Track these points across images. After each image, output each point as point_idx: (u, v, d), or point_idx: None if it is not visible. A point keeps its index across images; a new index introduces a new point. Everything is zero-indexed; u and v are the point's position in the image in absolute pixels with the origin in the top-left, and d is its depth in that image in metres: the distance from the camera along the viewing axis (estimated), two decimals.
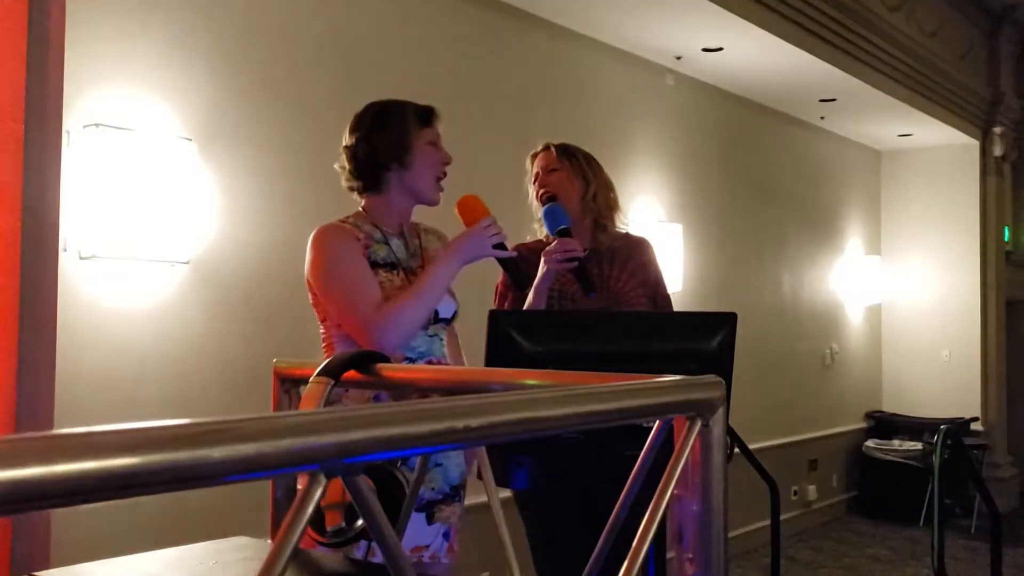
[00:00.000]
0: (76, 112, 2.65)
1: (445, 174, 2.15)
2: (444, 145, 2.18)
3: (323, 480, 0.49)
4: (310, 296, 2.10)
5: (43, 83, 2.14)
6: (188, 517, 2.79)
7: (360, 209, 2.15)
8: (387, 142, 2.07)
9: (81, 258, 2.69)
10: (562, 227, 2.40)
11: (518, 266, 2.18)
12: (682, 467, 0.77)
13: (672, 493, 0.76)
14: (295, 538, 0.49)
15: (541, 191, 2.55)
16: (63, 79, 2.21)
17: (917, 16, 6.49)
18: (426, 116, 2.13)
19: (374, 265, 2.05)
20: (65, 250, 2.59)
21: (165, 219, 2.81)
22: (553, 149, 2.60)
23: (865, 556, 6.07)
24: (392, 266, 2.07)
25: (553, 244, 2.37)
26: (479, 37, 4.13)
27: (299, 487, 1.20)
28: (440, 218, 2.28)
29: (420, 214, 2.24)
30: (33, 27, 2.12)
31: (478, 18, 4.12)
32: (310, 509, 0.49)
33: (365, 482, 0.53)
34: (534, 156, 2.63)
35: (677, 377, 0.76)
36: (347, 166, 2.12)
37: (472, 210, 2.11)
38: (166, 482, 0.42)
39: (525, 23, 4.36)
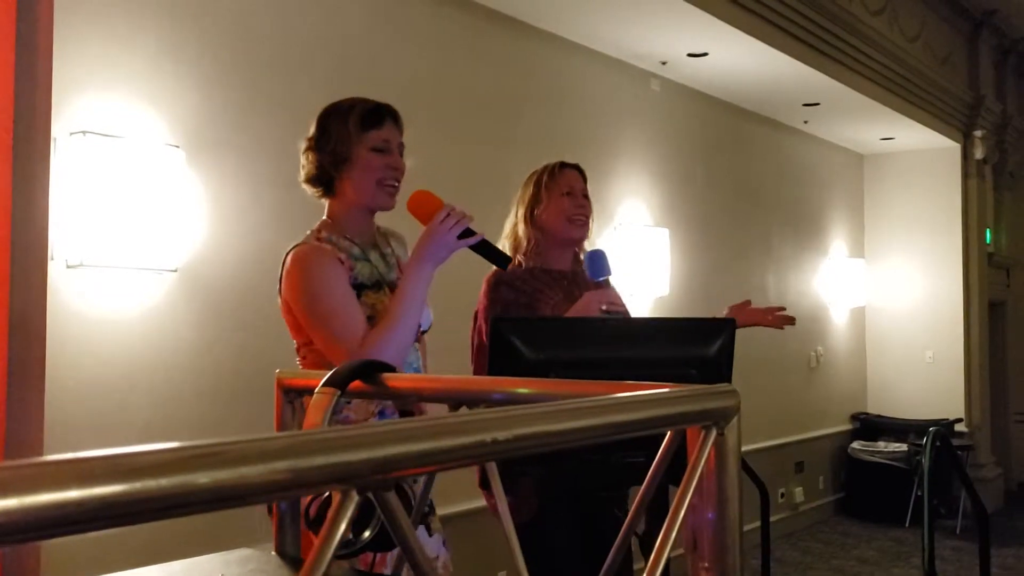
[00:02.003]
0: (63, 119, 2.62)
1: (395, 181, 2.00)
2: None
3: (355, 497, 0.49)
4: (284, 314, 1.99)
5: (31, 91, 2.12)
6: (179, 528, 2.76)
7: (325, 218, 2.03)
8: (327, 150, 1.97)
9: (68, 266, 2.66)
10: (607, 277, 2.39)
11: (491, 247, 2.00)
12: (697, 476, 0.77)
13: (688, 502, 0.76)
14: (328, 555, 0.48)
15: (579, 215, 2.53)
16: (51, 87, 2.18)
17: (899, 21, 6.54)
18: (372, 119, 1.97)
19: (361, 288, 1.94)
20: (52, 259, 2.56)
21: (153, 227, 2.79)
22: (583, 175, 2.61)
23: (852, 557, 6.10)
24: (378, 285, 1.98)
25: (597, 293, 2.33)
26: (466, 43, 4.13)
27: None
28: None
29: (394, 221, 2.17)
30: (21, 35, 2.10)
31: (465, 24, 4.12)
32: (343, 526, 0.49)
33: (395, 498, 0.52)
34: (560, 168, 2.58)
35: (693, 386, 0.76)
36: (301, 173, 2.03)
37: (424, 206, 1.92)
38: (203, 503, 0.41)
39: (511, 28, 4.36)
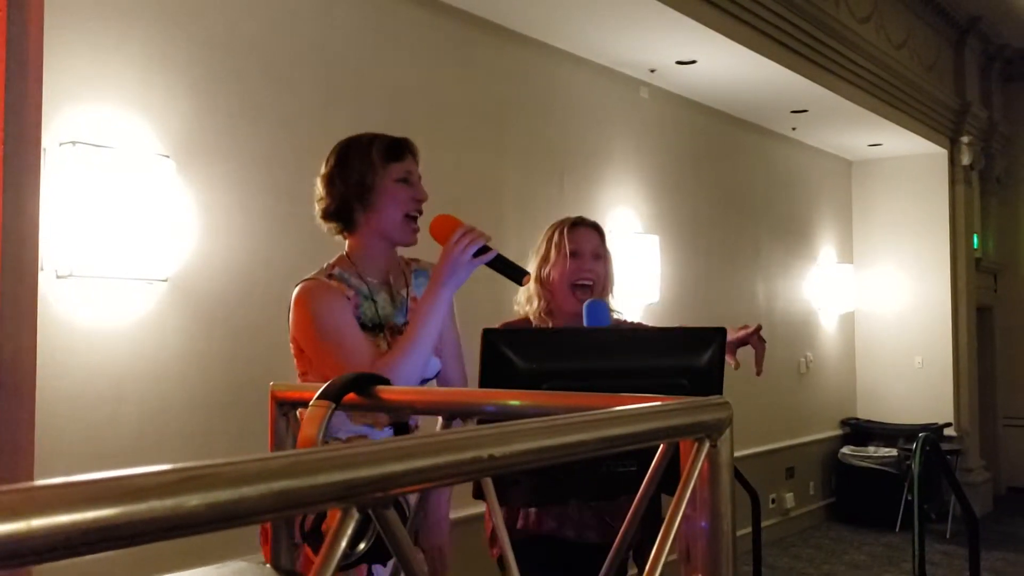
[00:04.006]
0: (52, 129, 2.62)
1: (420, 212, 1.98)
2: (426, 171, 2.05)
3: (356, 515, 0.49)
4: (292, 348, 1.98)
5: (21, 101, 2.11)
6: (173, 540, 2.75)
7: (344, 253, 2.02)
8: (350, 181, 1.95)
9: (58, 277, 2.66)
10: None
11: (507, 262, 1.97)
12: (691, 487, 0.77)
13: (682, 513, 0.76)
14: (329, 574, 0.48)
15: (584, 278, 2.37)
16: (41, 97, 2.18)
17: (885, 28, 6.58)
18: (395, 151, 1.97)
19: (362, 327, 1.93)
20: (42, 269, 2.55)
21: (143, 237, 2.78)
22: (599, 233, 2.45)
23: (843, 563, 6.12)
24: (377, 328, 1.96)
25: None
26: (455, 51, 4.14)
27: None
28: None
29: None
30: (11, 45, 2.09)
31: (454, 32, 4.13)
32: (343, 544, 0.49)
33: (394, 514, 0.53)
34: (572, 226, 2.44)
35: (687, 399, 0.76)
36: (318, 208, 2.01)
37: (443, 229, 1.91)
38: (202, 524, 0.42)
39: (500, 37, 4.37)
